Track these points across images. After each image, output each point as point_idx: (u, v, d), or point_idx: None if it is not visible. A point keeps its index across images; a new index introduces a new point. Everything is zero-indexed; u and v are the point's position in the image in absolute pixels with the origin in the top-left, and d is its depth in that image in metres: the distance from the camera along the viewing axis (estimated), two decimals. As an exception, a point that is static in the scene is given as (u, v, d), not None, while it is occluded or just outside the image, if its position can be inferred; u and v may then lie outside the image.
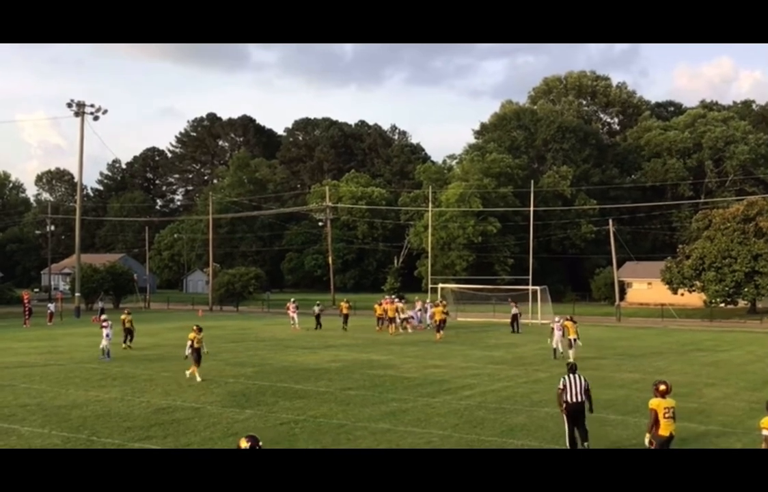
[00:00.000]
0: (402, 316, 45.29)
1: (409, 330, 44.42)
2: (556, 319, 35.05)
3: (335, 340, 39.03)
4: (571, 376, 14.95)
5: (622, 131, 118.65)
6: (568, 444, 14.94)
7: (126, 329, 34.14)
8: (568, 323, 32.27)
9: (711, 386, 24.32)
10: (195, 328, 25.26)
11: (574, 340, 31.34)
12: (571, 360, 29.90)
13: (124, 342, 33.76)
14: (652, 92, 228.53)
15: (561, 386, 14.99)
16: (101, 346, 30.71)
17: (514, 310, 46.34)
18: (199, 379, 23.93)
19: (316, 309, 48.11)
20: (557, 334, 32.63)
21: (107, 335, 30.60)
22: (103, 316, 34.86)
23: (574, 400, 14.75)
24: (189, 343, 24.77)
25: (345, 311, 47.13)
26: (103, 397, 21.16)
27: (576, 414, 14.85)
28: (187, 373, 24.55)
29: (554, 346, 32.44)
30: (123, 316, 35.09)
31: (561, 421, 15.57)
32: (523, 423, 17.84)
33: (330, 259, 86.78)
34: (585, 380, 15.11)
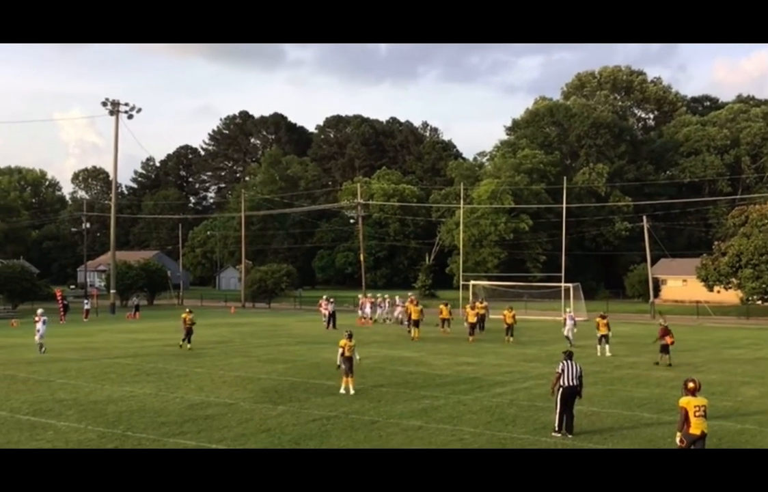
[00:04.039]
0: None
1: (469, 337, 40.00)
2: (569, 310, 38.57)
3: (367, 337, 39.05)
4: (569, 361, 16.43)
5: (657, 127, 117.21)
6: (556, 425, 16.26)
7: (187, 328, 32.79)
8: (601, 320, 32.87)
9: (748, 384, 23.97)
10: (346, 334, 22.23)
11: (604, 336, 31.94)
12: (607, 354, 30.84)
13: (189, 341, 32.51)
14: (690, 87, 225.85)
15: (559, 370, 16.43)
16: (36, 342, 30.60)
17: (482, 307, 43.48)
18: (352, 391, 21.20)
19: (330, 307, 45.52)
20: (569, 323, 35.35)
21: (38, 331, 30.50)
22: (40, 310, 32.66)
23: (569, 383, 16.20)
24: (340, 351, 21.90)
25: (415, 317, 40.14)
26: (138, 392, 21.39)
27: (569, 397, 16.24)
28: (342, 389, 21.53)
29: (566, 334, 34.64)
30: (184, 314, 33.62)
31: (553, 408, 16.90)
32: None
33: (362, 257, 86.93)
34: (579, 367, 16.59)
